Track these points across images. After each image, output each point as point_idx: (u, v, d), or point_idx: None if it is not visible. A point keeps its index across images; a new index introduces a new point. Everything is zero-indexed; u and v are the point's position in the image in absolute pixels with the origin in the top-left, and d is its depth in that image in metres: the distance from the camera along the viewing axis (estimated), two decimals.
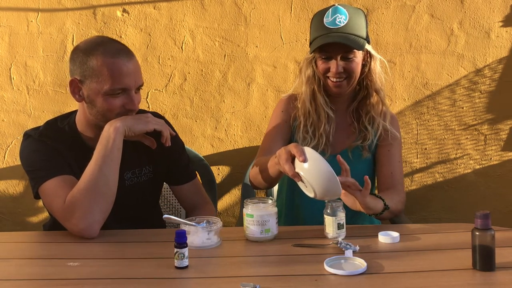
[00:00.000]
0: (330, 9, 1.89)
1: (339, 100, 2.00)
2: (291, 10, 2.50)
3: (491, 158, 2.55)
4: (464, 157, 2.56)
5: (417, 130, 2.55)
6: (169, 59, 2.53)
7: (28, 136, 1.79)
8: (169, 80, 2.54)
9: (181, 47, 2.52)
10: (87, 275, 1.38)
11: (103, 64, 1.66)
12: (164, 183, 1.99)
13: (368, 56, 1.95)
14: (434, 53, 2.50)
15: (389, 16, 2.49)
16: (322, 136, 1.94)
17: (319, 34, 1.89)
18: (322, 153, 1.93)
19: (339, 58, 1.88)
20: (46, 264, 1.48)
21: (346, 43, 1.84)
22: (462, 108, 2.53)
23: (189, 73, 2.53)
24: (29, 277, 1.39)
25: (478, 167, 2.56)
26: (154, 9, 2.51)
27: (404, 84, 2.52)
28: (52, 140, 1.76)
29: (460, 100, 2.53)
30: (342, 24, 1.86)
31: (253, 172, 1.91)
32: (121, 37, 2.50)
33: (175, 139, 1.88)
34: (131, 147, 1.82)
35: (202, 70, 2.53)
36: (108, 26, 2.51)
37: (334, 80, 1.90)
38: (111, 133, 1.66)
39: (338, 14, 1.87)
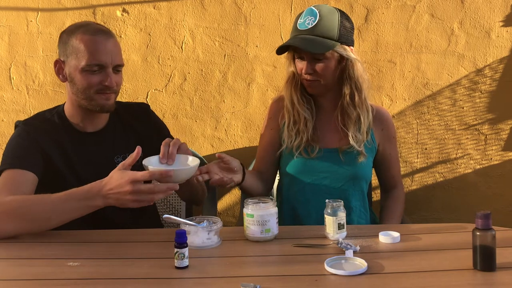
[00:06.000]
0: (306, 10, 1.92)
1: (323, 100, 2.02)
2: (291, 9, 2.49)
3: (491, 158, 2.55)
4: (465, 157, 2.55)
5: (418, 130, 2.55)
6: (169, 59, 2.53)
7: (16, 126, 1.85)
8: (169, 80, 2.54)
9: (181, 47, 2.52)
10: (87, 275, 1.38)
11: (81, 41, 1.74)
12: None
13: (343, 58, 1.93)
14: (435, 53, 2.50)
15: (389, 16, 2.49)
16: (304, 134, 1.97)
17: (291, 35, 1.94)
18: (312, 150, 1.96)
19: (309, 59, 1.90)
20: (46, 264, 1.48)
21: (302, 47, 1.86)
22: (463, 108, 2.53)
23: (189, 73, 2.53)
24: (29, 277, 1.39)
25: (478, 167, 2.56)
26: (154, 9, 2.50)
27: (404, 84, 2.52)
28: (36, 131, 1.80)
29: (460, 100, 2.52)
30: (310, 26, 1.88)
31: None
32: (121, 36, 2.49)
33: (160, 124, 2.00)
34: (122, 131, 1.89)
35: (202, 70, 2.53)
36: (107, 26, 2.50)
37: (306, 80, 1.94)
38: (98, 205, 1.58)
39: (309, 16, 1.89)
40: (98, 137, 1.86)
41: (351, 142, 1.94)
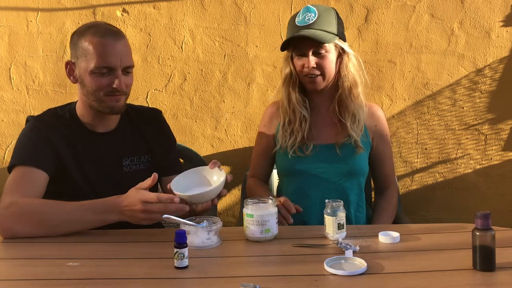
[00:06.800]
0: (302, 9, 1.98)
1: (319, 98, 2.05)
2: (291, 9, 2.49)
3: (491, 158, 2.55)
4: (465, 157, 2.55)
5: (418, 130, 2.55)
6: (169, 59, 2.52)
7: (28, 120, 1.85)
8: (169, 80, 2.54)
9: (181, 47, 2.52)
10: (87, 275, 1.38)
11: (91, 43, 1.73)
12: None
13: (342, 52, 1.99)
14: (435, 53, 2.50)
15: (390, 16, 2.49)
16: (299, 133, 1.99)
17: (290, 33, 1.98)
18: (306, 148, 1.98)
19: (311, 53, 1.94)
20: (46, 264, 1.48)
21: (310, 37, 1.90)
22: (463, 108, 2.53)
23: (189, 73, 2.53)
24: (29, 277, 1.39)
25: (478, 167, 2.56)
26: (154, 9, 2.50)
27: (404, 84, 2.52)
28: (48, 127, 1.80)
29: (460, 100, 2.52)
30: (311, 21, 1.93)
31: (248, 191, 2.10)
32: None
33: (169, 133, 1.99)
34: (131, 134, 1.89)
35: (202, 70, 2.53)
36: None
37: (308, 76, 1.96)
38: (113, 219, 1.63)
39: (307, 13, 1.96)
40: (108, 138, 1.86)
41: (350, 131, 1.97)
